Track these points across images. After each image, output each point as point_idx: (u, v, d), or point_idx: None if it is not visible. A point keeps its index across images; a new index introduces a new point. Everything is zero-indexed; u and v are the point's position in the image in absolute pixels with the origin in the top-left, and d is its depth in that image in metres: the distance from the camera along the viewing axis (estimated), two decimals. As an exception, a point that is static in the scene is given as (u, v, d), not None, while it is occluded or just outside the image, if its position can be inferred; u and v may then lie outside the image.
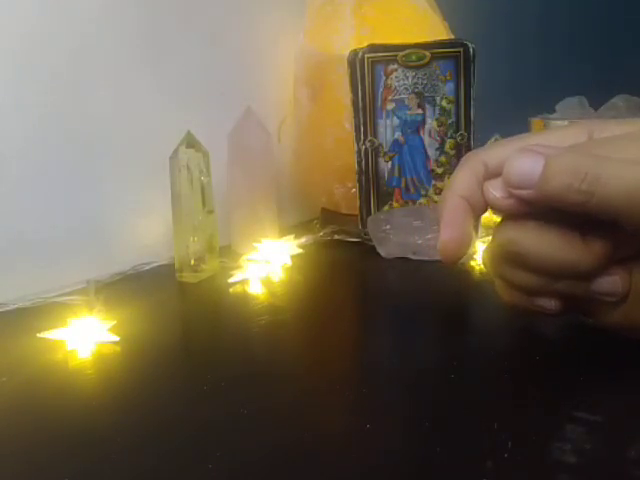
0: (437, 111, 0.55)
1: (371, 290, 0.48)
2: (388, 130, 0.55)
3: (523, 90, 0.86)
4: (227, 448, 0.27)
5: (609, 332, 0.33)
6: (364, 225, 0.55)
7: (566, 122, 0.64)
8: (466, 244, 0.32)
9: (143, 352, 0.36)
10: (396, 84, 0.54)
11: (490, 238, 0.33)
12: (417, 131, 0.55)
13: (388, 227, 0.53)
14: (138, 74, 0.52)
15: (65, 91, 0.47)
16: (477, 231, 0.33)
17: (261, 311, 0.42)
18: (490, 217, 0.51)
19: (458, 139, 0.56)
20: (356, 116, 0.54)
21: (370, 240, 0.54)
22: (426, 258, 0.51)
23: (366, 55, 0.53)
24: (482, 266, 0.47)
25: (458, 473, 0.24)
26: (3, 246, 0.45)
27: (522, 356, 0.34)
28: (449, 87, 0.55)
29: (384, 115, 0.55)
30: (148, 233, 0.53)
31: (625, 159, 0.27)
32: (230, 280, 0.47)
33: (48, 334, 0.37)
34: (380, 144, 0.55)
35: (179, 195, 0.47)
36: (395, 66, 0.54)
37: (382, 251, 0.53)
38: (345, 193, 0.59)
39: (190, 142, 0.47)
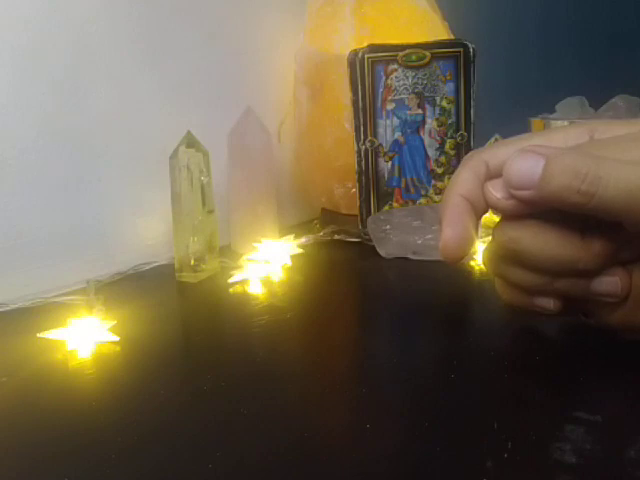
0: (437, 111, 0.55)
1: (371, 290, 0.48)
2: (388, 130, 0.55)
3: (523, 90, 0.86)
4: (227, 448, 0.27)
5: (609, 333, 0.33)
6: (364, 225, 0.55)
7: (566, 122, 0.64)
8: (468, 243, 0.32)
9: (143, 352, 0.36)
10: (396, 84, 0.54)
11: (490, 238, 0.33)
12: (417, 131, 0.55)
13: (388, 227, 0.53)
14: (138, 74, 0.52)
15: (65, 91, 0.47)
16: (477, 231, 0.33)
17: (261, 311, 0.42)
18: (490, 217, 0.51)
19: (458, 139, 0.56)
20: (356, 116, 0.54)
21: (370, 240, 0.54)
22: (426, 258, 0.51)
23: (366, 55, 0.53)
24: (482, 266, 0.47)
25: (458, 473, 0.24)
26: (3, 246, 0.45)
27: (522, 356, 0.34)
28: (449, 87, 0.55)
29: (384, 115, 0.55)
30: (148, 233, 0.53)
31: (626, 160, 0.27)
32: (230, 280, 0.47)
33: (48, 334, 0.37)
34: (380, 144, 0.55)
35: (179, 195, 0.48)
36: (395, 66, 0.54)
37: (382, 251, 0.53)
38: (345, 193, 0.59)
39: (190, 142, 0.47)
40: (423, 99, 0.55)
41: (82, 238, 0.49)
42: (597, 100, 0.70)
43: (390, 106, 0.55)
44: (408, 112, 0.55)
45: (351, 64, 0.53)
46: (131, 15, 0.51)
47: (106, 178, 0.51)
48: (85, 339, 0.37)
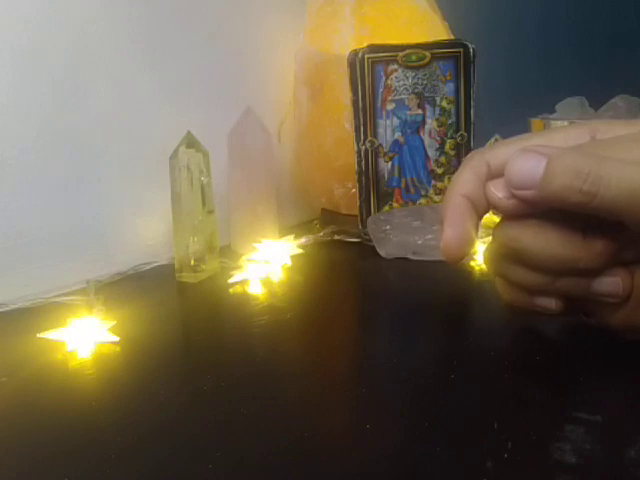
0: (437, 111, 0.55)
1: (371, 290, 0.48)
2: (388, 130, 0.55)
3: (523, 90, 0.86)
4: (227, 448, 0.27)
5: (609, 333, 0.33)
6: (364, 225, 0.55)
7: (566, 122, 0.64)
8: (469, 243, 0.32)
9: (143, 352, 0.36)
10: (396, 84, 0.54)
11: (491, 238, 0.33)
12: (417, 131, 0.55)
13: (388, 227, 0.53)
14: (138, 74, 0.52)
15: (65, 91, 0.47)
16: (478, 231, 0.33)
17: (261, 311, 0.42)
18: (491, 217, 0.51)
19: (458, 139, 0.56)
20: (356, 116, 0.54)
21: (370, 240, 0.54)
22: (426, 258, 0.51)
23: (366, 55, 0.53)
24: (482, 266, 0.47)
25: (458, 473, 0.24)
26: (3, 246, 0.45)
27: (522, 356, 0.34)
28: (449, 87, 0.55)
29: (384, 115, 0.55)
30: (148, 233, 0.53)
31: (627, 160, 0.27)
32: (230, 280, 0.47)
33: (48, 334, 0.37)
34: (380, 144, 0.55)
35: (179, 195, 0.47)
36: (395, 66, 0.54)
37: (382, 251, 0.53)
38: (345, 193, 0.59)
39: (190, 142, 0.47)
40: (423, 99, 0.55)
41: (82, 238, 0.49)
42: (597, 100, 0.70)
43: (390, 106, 0.55)
44: (408, 112, 0.55)
45: (351, 64, 0.53)
46: (131, 15, 0.51)
47: (106, 178, 0.50)
48: (85, 339, 0.37)
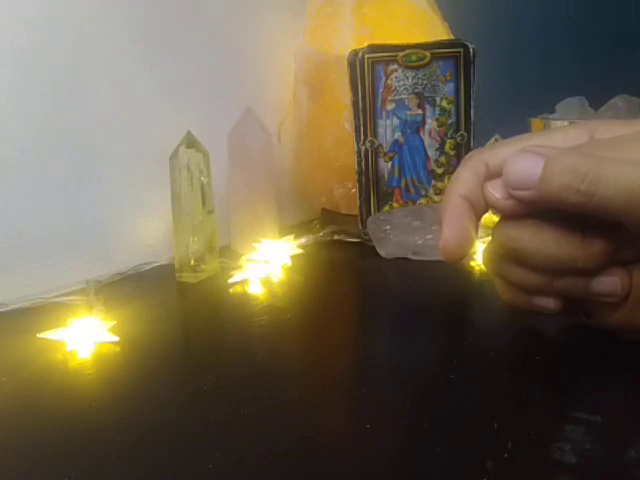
0: (437, 111, 0.55)
1: (371, 290, 0.48)
2: (388, 130, 0.55)
3: (523, 90, 0.86)
4: (227, 448, 0.27)
5: (609, 333, 0.33)
6: (364, 225, 0.55)
7: (566, 122, 0.64)
8: (468, 243, 0.32)
9: (143, 352, 0.36)
10: (396, 84, 0.54)
11: (490, 238, 0.33)
12: (417, 131, 0.55)
13: (388, 227, 0.53)
14: (138, 74, 0.52)
15: (65, 91, 0.47)
16: (477, 231, 0.33)
17: (261, 311, 0.42)
18: (490, 217, 0.51)
19: (458, 139, 0.56)
20: (356, 116, 0.54)
21: (370, 240, 0.54)
22: (426, 258, 0.51)
23: (366, 55, 0.53)
24: (482, 266, 0.47)
25: (458, 473, 0.24)
26: (3, 246, 0.45)
27: (522, 356, 0.34)
28: (449, 87, 0.55)
29: (384, 115, 0.55)
30: (148, 233, 0.53)
31: (626, 159, 0.27)
32: (230, 280, 0.47)
33: (48, 334, 0.37)
34: (380, 144, 0.55)
35: (179, 195, 0.48)
36: (395, 66, 0.54)
37: (382, 251, 0.53)
38: (345, 193, 0.59)
39: (190, 142, 0.47)
40: (423, 99, 0.55)
41: (82, 238, 0.49)
42: (597, 100, 0.70)
43: (390, 106, 0.55)
44: (408, 112, 0.55)
45: (351, 64, 0.53)
46: (131, 15, 0.51)
47: (106, 178, 0.51)
48: (85, 339, 0.37)
